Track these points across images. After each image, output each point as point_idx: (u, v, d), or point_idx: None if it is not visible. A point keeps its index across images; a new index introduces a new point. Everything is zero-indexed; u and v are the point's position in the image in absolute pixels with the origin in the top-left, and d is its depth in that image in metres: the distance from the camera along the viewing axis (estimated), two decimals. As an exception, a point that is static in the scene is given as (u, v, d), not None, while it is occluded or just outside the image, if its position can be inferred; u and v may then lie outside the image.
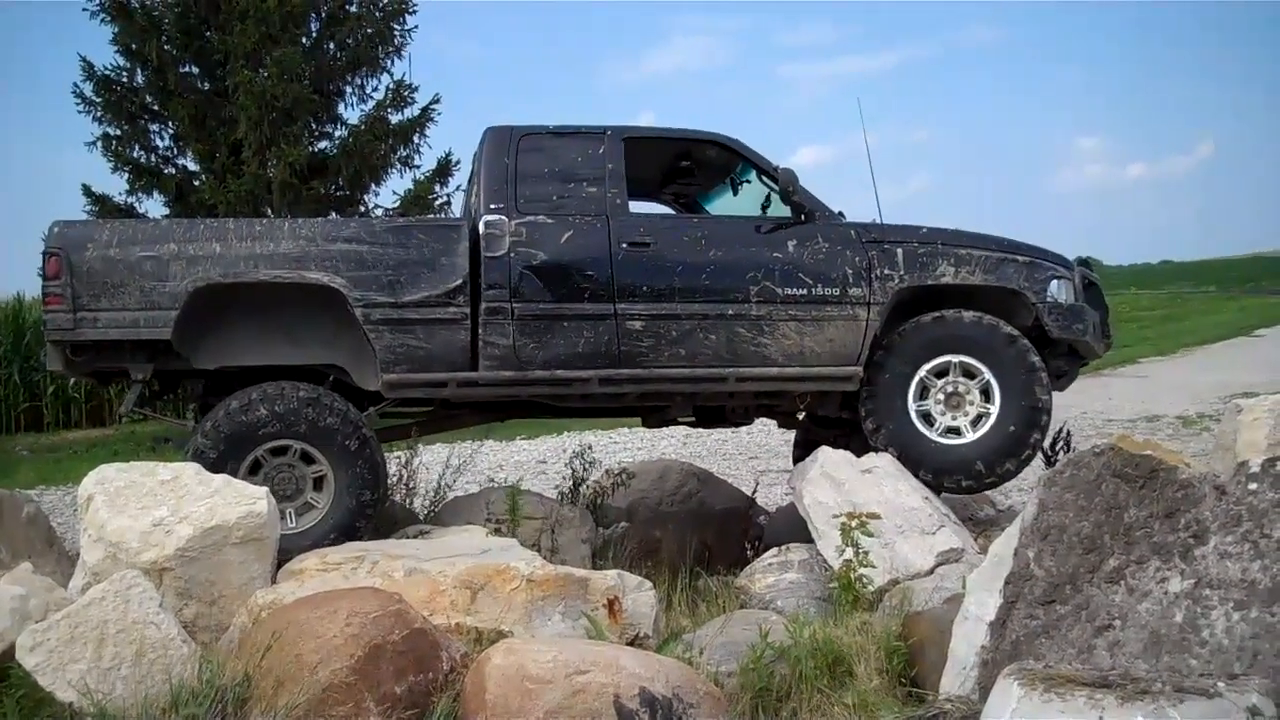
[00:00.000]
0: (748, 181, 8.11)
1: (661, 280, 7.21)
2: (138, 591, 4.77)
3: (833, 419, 8.57)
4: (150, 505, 5.55)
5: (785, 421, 9.36)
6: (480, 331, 7.01)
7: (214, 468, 6.38)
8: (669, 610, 6.15)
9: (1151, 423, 15.04)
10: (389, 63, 20.96)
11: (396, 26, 20.82)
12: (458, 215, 7.20)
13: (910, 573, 6.33)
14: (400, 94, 20.54)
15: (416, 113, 20.28)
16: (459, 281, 6.95)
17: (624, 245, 7.21)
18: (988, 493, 9.25)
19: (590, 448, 9.87)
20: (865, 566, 5.93)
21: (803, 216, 7.46)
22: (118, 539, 5.37)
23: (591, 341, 7.12)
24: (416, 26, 20.92)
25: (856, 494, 6.75)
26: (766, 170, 7.65)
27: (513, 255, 7.06)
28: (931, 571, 6.34)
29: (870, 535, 6.01)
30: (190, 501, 5.60)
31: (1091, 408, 16.73)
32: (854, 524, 5.97)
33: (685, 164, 8.28)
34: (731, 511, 9.32)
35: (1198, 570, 3.95)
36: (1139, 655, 3.89)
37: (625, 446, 15.18)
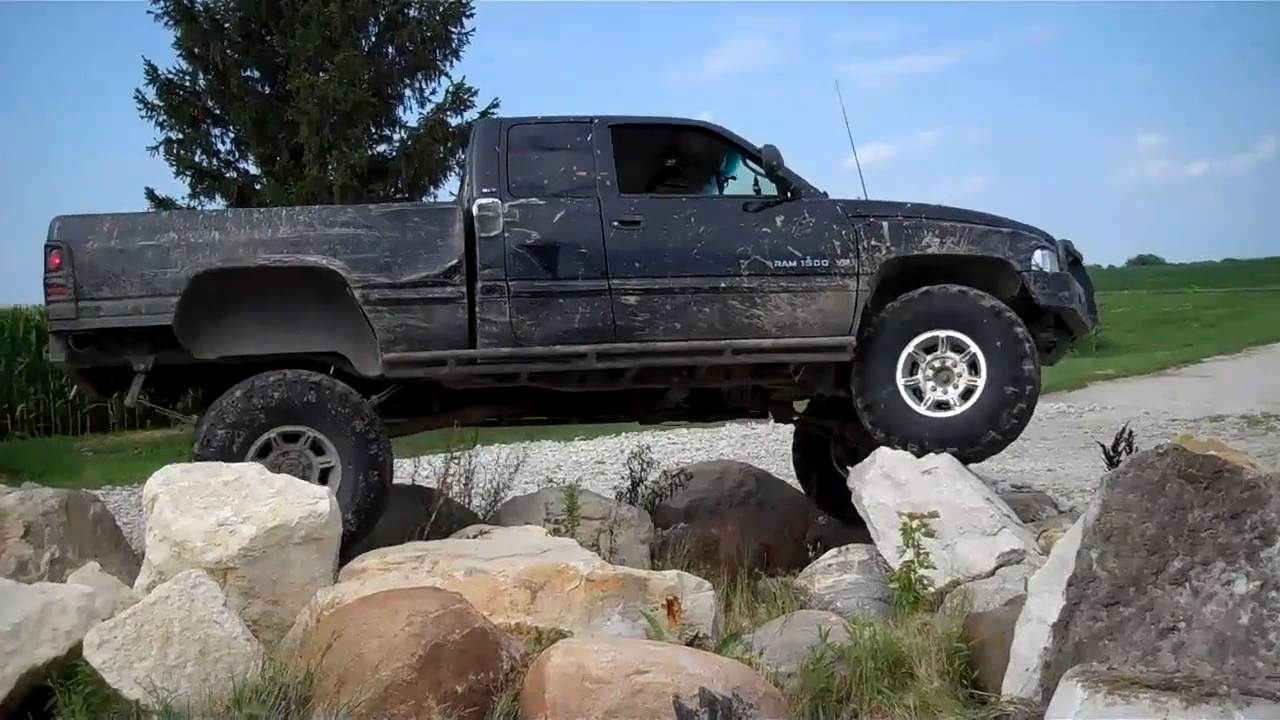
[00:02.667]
0: (734, 178, 8.27)
1: (653, 256, 7.34)
2: (202, 590, 4.83)
3: (828, 408, 8.72)
4: (214, 505, 5.61)
5: (781, 415, 9.38)
6: (477, 310, 7.13)
7: (221, 454, 6.60)
8: (728, 611, 6.13)
9: (1216, 422, 14.81)
10: (448, 65, 21.08)
11: (454, 30, 20.94)
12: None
13: (971, 574, 6.28)
14: (459, 97, 20.66)
15: (476, 115, 20.35)
16: (454, 261, 7.08)
17: (615, 223, 7.34)
18: (1051, 494, 9.18)
19: (648, 448, 9.89)
20: (926, 568, 5.89)
21: (789, 194, 7.60)
22: (182, 538, 5.43)
23: (587, 317, 7.23)
24: (474, 30, 21.01)
25: (916, 494, 6.71)
26: (750, 152, 7.79)
27: (507, 235, 7.20)
28: (993, 573, 6.29)
29: (932, 536, 5.97)
30: (253, 501, 5.65)
31: (1154, 407, 16.54)
32: (915, 525, 5.93)
33: (671, 156, 8.44)
34: (790, 512, 9.30)
35: (1264, 572, 3.89)
36: (1204, 658, 3.85)
37: (684, 447, 15.17)
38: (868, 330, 7.48)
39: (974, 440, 7.37)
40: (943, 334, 7.44)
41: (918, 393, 7.45)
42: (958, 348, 7.45)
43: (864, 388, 7.49)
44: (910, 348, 7.44)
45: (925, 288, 7.50)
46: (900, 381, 7.42)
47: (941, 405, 7.43)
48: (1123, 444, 8.36)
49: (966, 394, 7.42)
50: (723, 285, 7.36)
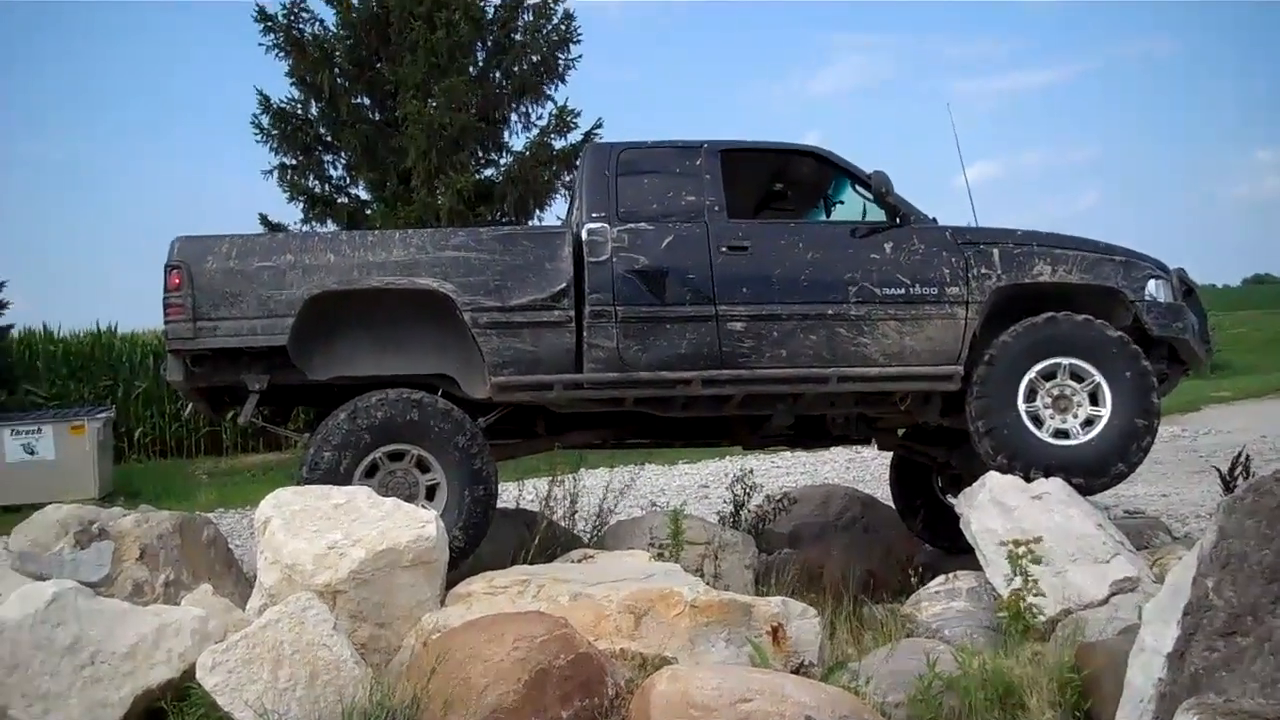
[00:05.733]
0: (841, 202, 8.19)
1: (760, 282, 7.30)
2: (312, 614, 4.90)
3: (933, 436, 8.57)
4: (324, 528, 5.69)
5: (884, 441, 9.28)
6: (585, 334, 7.15)
7: (328, 476, 6.71)
8: (833, 638, 6.08)
9: (1337, 445, 14.44)
10: (553, 89, 21.25)
11: (561, 55, 21.10)
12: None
13: (1083, 602, 6.16)
14: (564, 120, 20.83)
15: (580, 138, 20.49)
16: (563, 285, 7.12)
17: (723, 249, 7.32)
18: (1164, 520, 9.00)
19: (752, 472, 9.86)
20: (1034, 595, 5.79)
21: (898, 220, 7.53)
22: (293, 561, 5.50)
23: (694, 343, 7.23)
24: (581, 56, 21.17)
25: (1026, 520, 6.60)
26: (859, 177, 7.70)
27: (615, 260, 7.22)
28: (1106, 601, 6.16)
29: (1038, 563, 5.87)
30: (362, 525, 5.72)
31: (1272, 431, 16.16)
32: (1021, 551, 5.84)
33: (779, 180, 8.41)
34: (896, 537, 9.21)
35: (1389, 603, 3.78)
36: (1327, 691, 3.74)
37: (788, 471, 15.11)
38: (989, 354, 7.36)
39: (1103, 471, 7.27)
40: (1065, 362, 7.32)
41: (1037, 420, 7.32)
42: (1078, 376, 7.34)
43: (984, 412, 7.33)
44: (1032, 374, 7.32)
45: (1049, 314, 7.37)
46: (1022, 407, 7.30)
47: (1061, 434, 7.31)
48: (1239, 469, 8.19)
49: (1088, 423, 7.32)
50: (830, 312, 7.32)
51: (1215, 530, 4.32)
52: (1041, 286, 7.55)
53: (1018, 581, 5.82)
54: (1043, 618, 5.86)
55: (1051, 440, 7.29)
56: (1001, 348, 7.35)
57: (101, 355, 21.94)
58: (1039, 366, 7.32)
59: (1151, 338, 7.58)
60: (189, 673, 4.85)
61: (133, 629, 5.02)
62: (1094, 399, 7.33)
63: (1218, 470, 8.52)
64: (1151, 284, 7.64)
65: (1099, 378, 7.30)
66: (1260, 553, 4.12)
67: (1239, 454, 8.39)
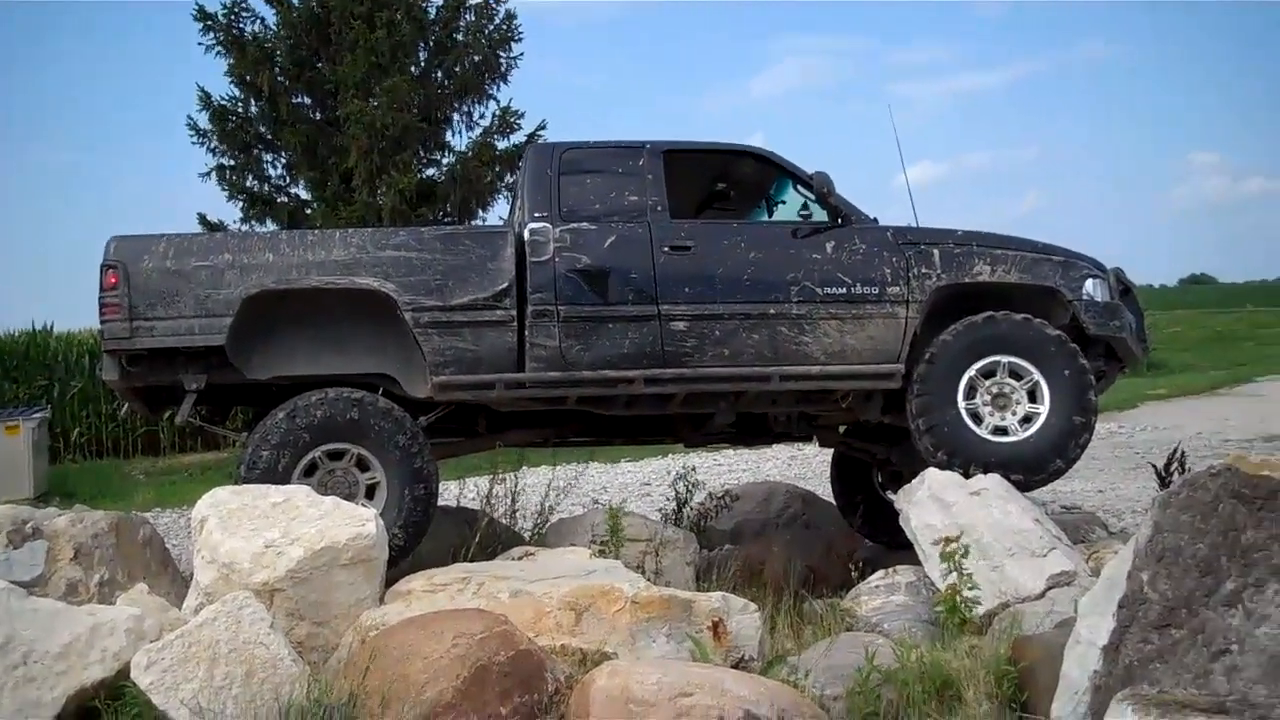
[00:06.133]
0: (783, 202, 8.21)
1: (703, 282, 7.34)
2: (249, 612, 4.85)
3: (874, 433, 8.66)
4: (262, 527, 5.64)
5: (825, 439, 9.34)
6: (527, 334, 7.16)
7: (266, 475, 6.66)
8: (774, 633, 6.09)
9: (1270, 442, 14.66)
10: (495, 89, 21.21)
11: (503, 54, 21.07)
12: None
13: (1021, 595, 6.22)
14: (506, 120, 20.82)
15: (523, 139, 20.47)
16: (505, 285, 7.12)
17: (665, 249, 7.35)
18: (1101, 515, 9.09)
19: (694, 470, 9.88)
20: (968, 590, 5.83)
21: (839, 220, 7.59)
22: (230, 560, 5.45)
23: (636, 342, 7.25)
24: (522, 55, 21.14)
25: (964, 516, 6.65)
26: (801, 178, 7.76)
27: (557, 260, 7.24)
28: (1042, 594, 6.22)
29: (967, 558, 5.91)
30: (301, 524, 5.68)
31: (1207, 428, 16.39)
32: (954, 549, 5.88)
33: (722, 181, 8.41)
34: (837, 533, 9.26)
35: (1319, 594, 3.83)
36: (1258, 681, 3.78)
37: (730, 469, 15.15)
38: (930, 352, 7.41)
39: (1041, 468, 7.35)
40: (1004, 360, 7.39)
41: (977, 417, 7.39)
42: (1017, 374, 7.41)
43: (924, 409, 7.39)
44: (971, 371, 7.39)
45: (989, 313, 7.45)
46: (961, 405, 7.37)
47: (1000, 430, 7.39)
48: (1175, 464, 8.27)
49: (1026, 420, 7.40)
50: (772, 312, 7.36)
51: (1150, 525, 4.36)
52: (981, 286, 7.62)
53: (952, 578, 5.86)
54: (980, 610, 5.91)
55: (990, 437, 7.36)
56: (942, 346, 7.41)
57: (37, 355, 21.59)
58: (979, 364, 7.39)
59: (1089, 336, 7.67)
60: (124, 672, 4.78)
61: (66, 628, 4.94)
62: (1032, 396, 7.41)
63: (1153, 466, 8.61)
64: (1089, 283, 7.74)
65: (1037, 376, 7.37)
66: (1194, 547, 4.17)
67: (1174, 450, 8.48)
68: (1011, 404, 7.42)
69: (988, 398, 7.41)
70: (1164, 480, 7.96)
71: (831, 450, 9.72)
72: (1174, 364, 30.86)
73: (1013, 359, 7.39)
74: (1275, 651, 3.82)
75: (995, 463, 7.20)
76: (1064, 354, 7.40)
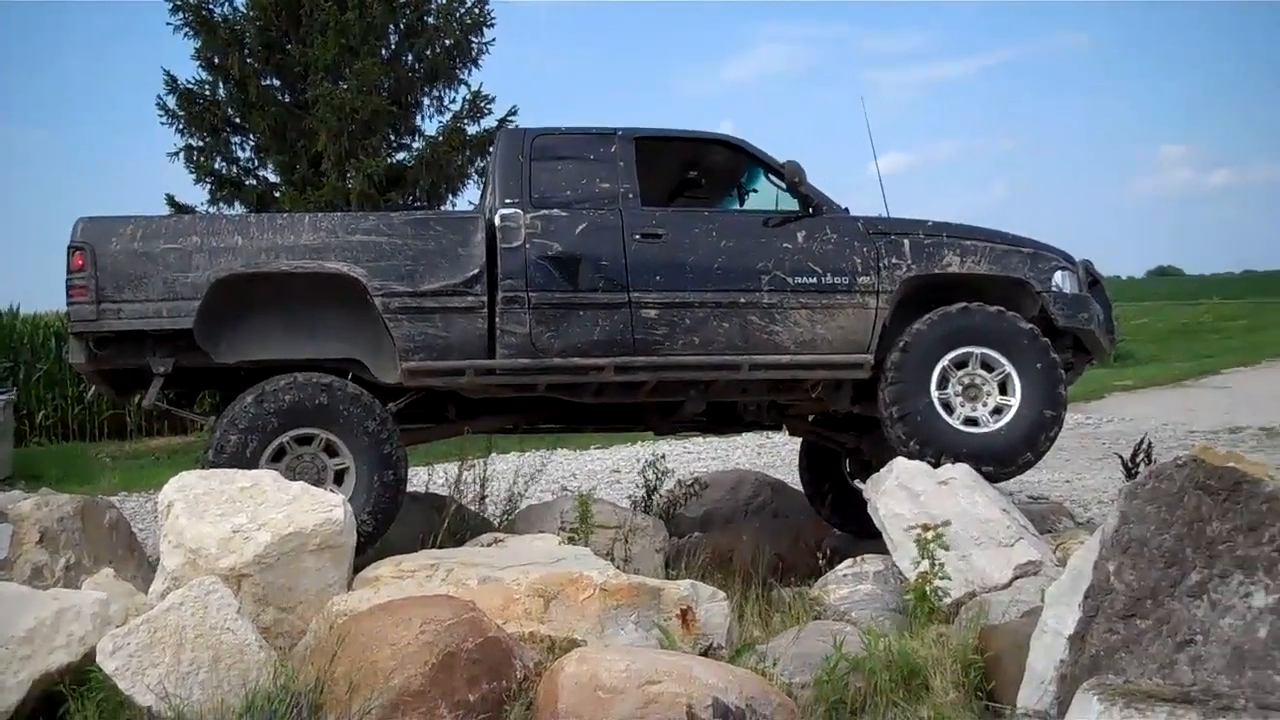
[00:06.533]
0: (755, 190, 8.23)
1: (674, 270, 7.33)
2: (216, 597, 4.83)
3: (843, 422, 8.68)
4: (229, 512, 5.61)
5: (795, 428, 9.37)
6: (497, 320, 7.13)
7: (234, 460, 6.61)
8: (742, 621, 6.10)
9: (1235, 434, 14.75)
10: (467, 74, 21.12)
11: (474, 39, 20.97)
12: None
13: (987, 585, 6.25)
14: (477, 105, 20.73)
15: (494, 124, 20.39)
16: (476, 271, 7.09)
17: (637, 236, 7.34)
18: (1068, 505, 9.14)
19: (663, 457, 9.88)
20: (941, 579, 5.86)
21: (810, 210, 7.58)
22: (197, 545, 5.42)
23: (607, 330, 7.23)
24: (494, 40, 21.06)
25: (932, 505, 6.67)
26: (773, 167, 7.76)
27: (528, 246, 7.20)
28: (1009, 584, 6.25)
29: (946, 548, 5.94)
30: (269, 509, 5.65)
31: (1173, 419, 16.46)
32: (930, 536, 5.90)
33: (693, 169, 8.43)
34: (806, 522, 9.28)
35: (1283, 585, 3.86)
36: (1221, 671, 3.82)
37: (699, 457, 15.15)
38: (904, 340, 7.42)
39: (1011, 460, 7.39)
40: (977, 351, 7.41)
41: (948, 407, 7.40)
42: (988, 366, 7.44)
43: (898, 397, 7.37)
44: (945, 361, 7.40)
45: (964, 304, 7.47)
46: (934, 394, 7.37)
47: (971, 421, 7.41)
48: (1141, 456, 8.31)
49: (997, 412, 7.43)
50: (742, 301, 7.36)
51: (1117, 515, 4.40)
52: (951, 277, 7.64)
53: (925, 565, 5.88)
54: (948, 600, 5.93)
55: (962, 428, 7.38)
56: (916, 335, 7.42)
57: (2, 337, 21.40)
58: (952, 355, 7.41)
59: (1057, 328, 7.70)
60: (89, 656, 4.75)
61: (31, 613, 4.91)
62: (1003, 389, 7.43)
63: (1120, 457, 8.64)
64: (1058, 275, 7.77)
65: (1009, 368, 7.40)
66: (1160, 537, 4.20)
67: (1141, 441, 8.52)
68: (982, 395, 7.44)
69: (959, 388, 7.42)
70: (1130, 471, 8.00)
71: (800, 439, 9.74)
72: (1141, 355, 30.99)
73: (986, 350, 7.41)
74: (1239, 642, 3.85)
75: (967, 453, 7.22)
76: (1037, 347, 7.42)
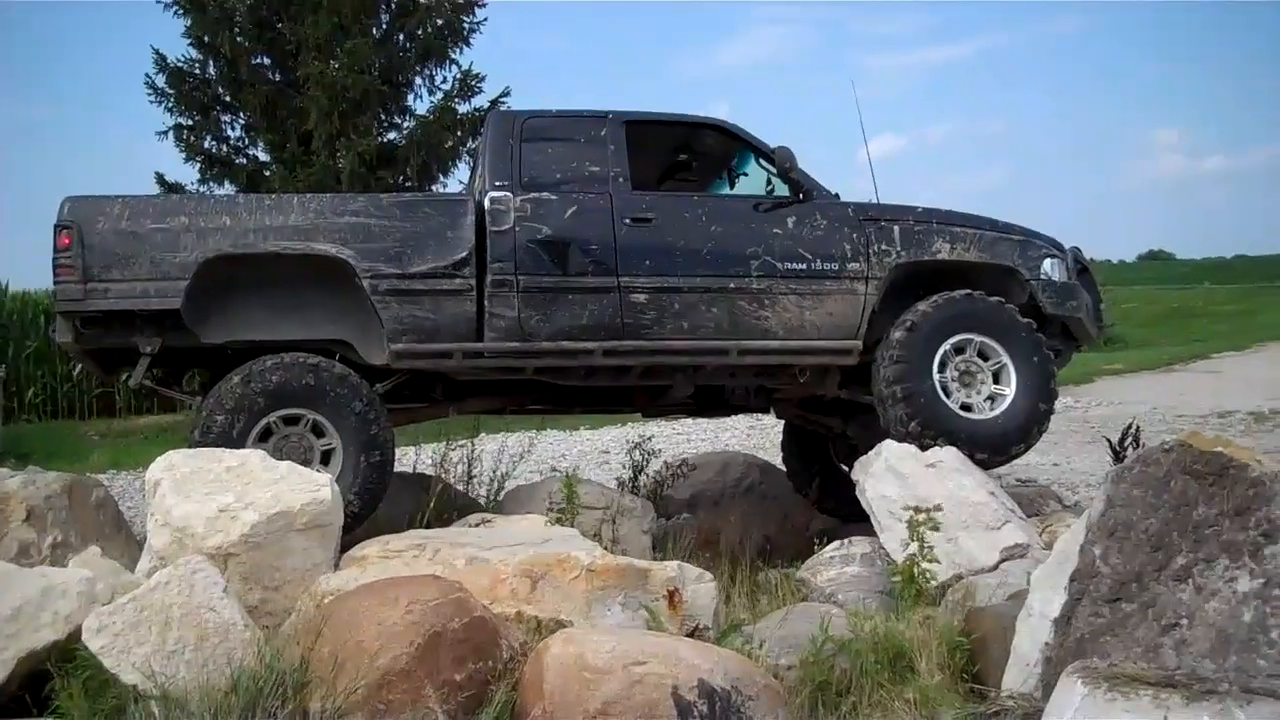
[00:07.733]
0: (745, 174, 8.22)
1: (663, 254, 7.32)
2: (202, 576, 4.81)
3: (830, 406, 8.69)
4: (216, 491, 5.59)
5: (782, 411, 9.39)
6: (486, 303, 7.13)
7: (221, 439, 6.59)
8: (729, 602, 6.12)
9: (1223, 419, 14.77)
10: (458, 53, 21.04)
11: (466, 18, 20.90)
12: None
13: (974, 568, 6.26)
14: (469, 85, 20.66)
15: (485, 104, 20.33)
16: (464, 254, 7.09)
17: (627, 220, 7.34)
18: (1055, 488, 9.15)
19: (651, 438, 9.90)
20: (930, 561, 5.86)
21: (800, 195, 7.59)
22: (184, 524, 5.41)
23: (595, 314, 7.23)
24: (486, 19, 20.99)
25: (920, 487, 6.68)
26: (763, 151, 7.75)
27: (518, 229, 7.19)
28: (996, 567, 6.27)
29: (937, 530, 5.94)
30: (256, 488, 5.64)
31: (1162, 403, 16.49)
32: (921, 518, 5.90)
33: (684, 152, 8.44)
34: (793, 504, 9.29)
35: (1267, 570, 3.86)
36: (1206, 655, 3.82)
37: (688, 438, 15.16)
38: (910, 320, 7.40)
39: (1005, 449, 7.41)
40: (976, 339, 7.43)
41: (945, 391, 7.41)
42: (984, 355, 7.46)
43: (901, 377, 7.32)
44: (946, 346, 7.41)
45: (967, 290, 7.48)
46: (935, 377, 7.37)
47: (965, 408, 7.41)
48: (1129, 440, 8.32)
49: (990, 400, 7.45)
50: (732, 286, 7.35)
51: (1104, 499, 4.39)
52: (940, 264, 7.67)
53: (914, 547, 5.88)
54: (935, 583, 5.94)
55: (962, 414, 7.38)
56: (922, 316, 7.41)
57: (-9, 314, 21.39)
58: (953, 340, 7.42)
59: (1045, 315, 7.72)
60: (75, 635, 4.73)
61: (17, 591, 4.89)
62: (996, 378, 7.45)
63: (1108, 441, 8.64)
64: (1047, 263, 7.81)
65: (1006, 358, 7.43)
66: (1146, 521, 4.20)
67: (1129, 425, 8.52)
68: (976, 383, 7.46)
69: (955, 374, 7.43)
70: (1118, 455, 8.00)
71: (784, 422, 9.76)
72: (1131, 339, 31.06)
73: (984, 339, 7.44)
74: (1223, 626, 3.85)
75: (965, 438, 7.22)
76: (1033, 340, 7.47)
